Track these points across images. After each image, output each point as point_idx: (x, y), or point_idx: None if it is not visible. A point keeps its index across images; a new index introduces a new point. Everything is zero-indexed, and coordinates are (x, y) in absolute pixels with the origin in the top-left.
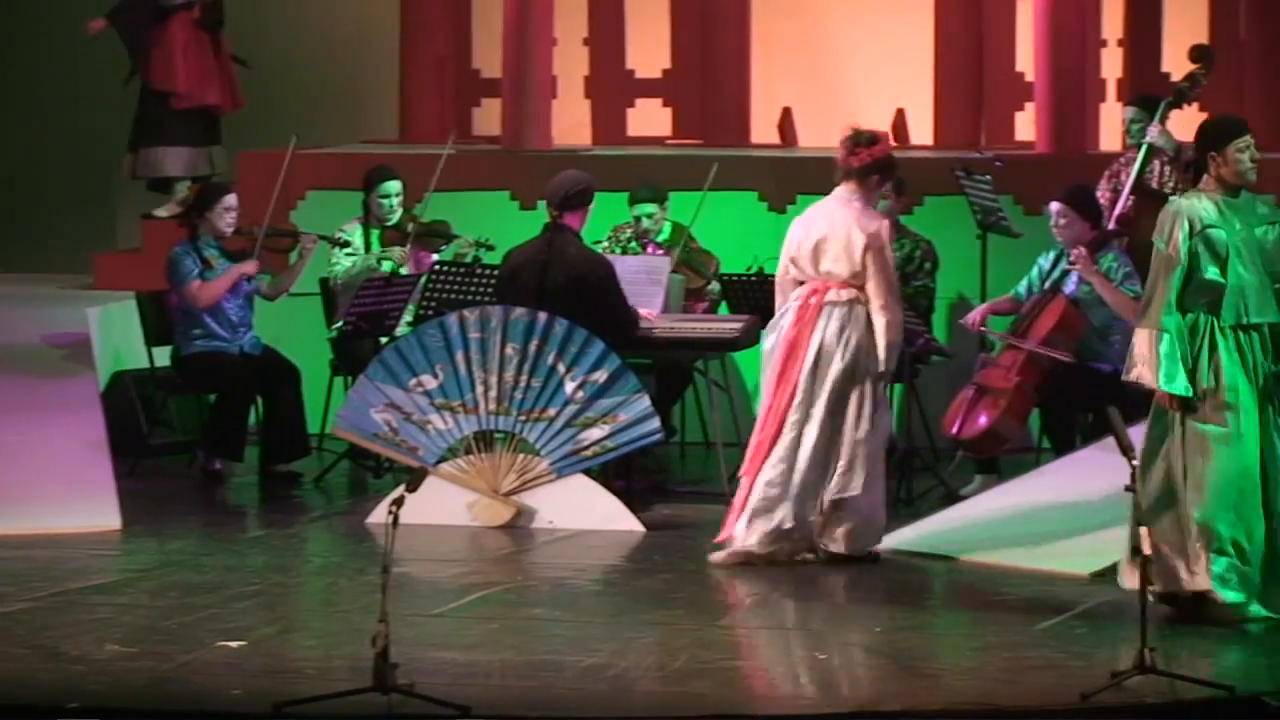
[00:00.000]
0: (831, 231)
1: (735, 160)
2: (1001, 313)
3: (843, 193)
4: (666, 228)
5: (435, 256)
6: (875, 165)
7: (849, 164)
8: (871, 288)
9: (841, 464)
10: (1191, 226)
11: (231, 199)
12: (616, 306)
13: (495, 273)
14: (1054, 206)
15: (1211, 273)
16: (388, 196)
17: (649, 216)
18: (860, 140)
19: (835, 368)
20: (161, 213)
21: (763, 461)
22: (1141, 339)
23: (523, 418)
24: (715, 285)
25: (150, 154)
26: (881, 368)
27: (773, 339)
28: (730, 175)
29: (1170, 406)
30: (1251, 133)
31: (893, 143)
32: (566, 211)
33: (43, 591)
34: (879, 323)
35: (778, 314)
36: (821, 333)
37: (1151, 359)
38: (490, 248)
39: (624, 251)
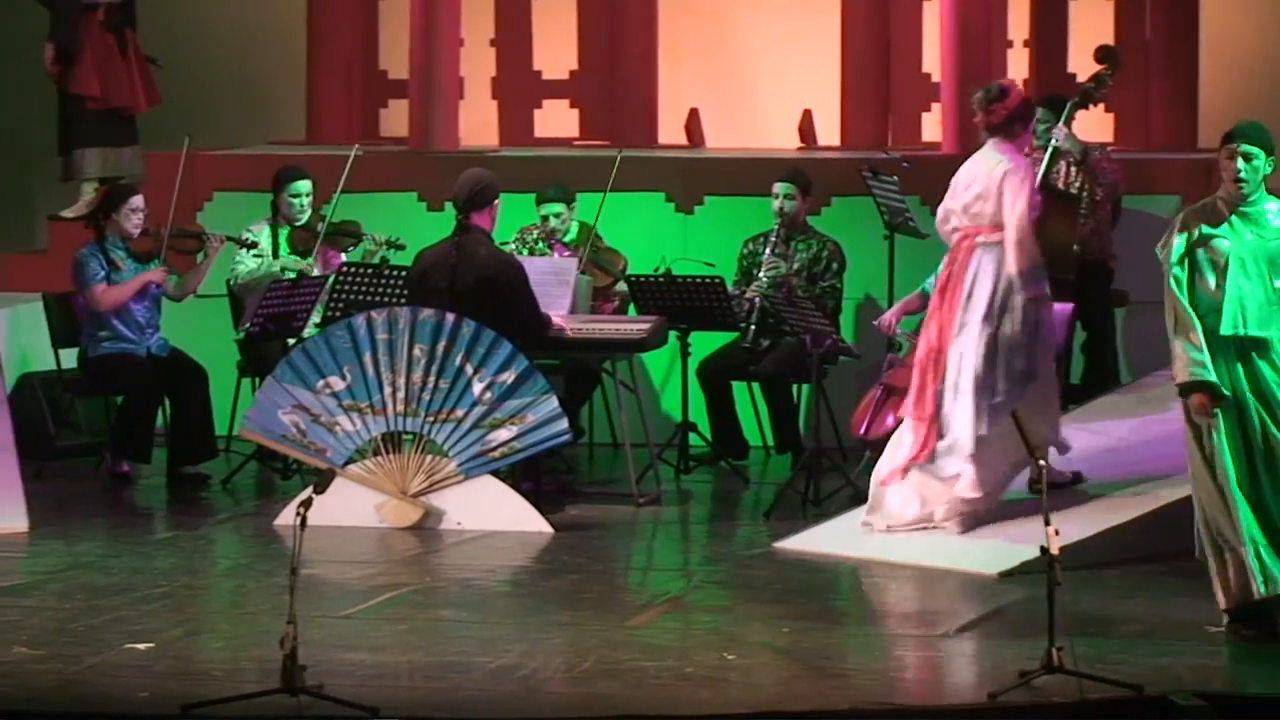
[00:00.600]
0: (978, 179)
1: (642, 161)
2: (912, 311)
3: (990, 145)
4: (574, 227)
5: (344, 256)
6: (1012, 116)
7: (989, 122)
8: (1005, 219)
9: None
10: (1190, 233)
11: (138, 200)
12: (527, 308)
13: (403, 273)
14: None
15: (1208, 280)
16: (298, 196)
17: (556, 216)
18: (990, 97)
19: (981, 306)
20: (68, 214)
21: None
22: (1176, 349)
23: (430, 419)
24: (623, 284)
25: (76, 156)
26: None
27: (932, 280)
28: (637, 176)
29: (1208, 408)
30: (1240, 139)
31: (1017, 86)
32: (473, 211)
33: None
34: (1007, 256)
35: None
36: (972, 273)
37: (1185, 360)
38: (401, 247)
39: (531, 252)
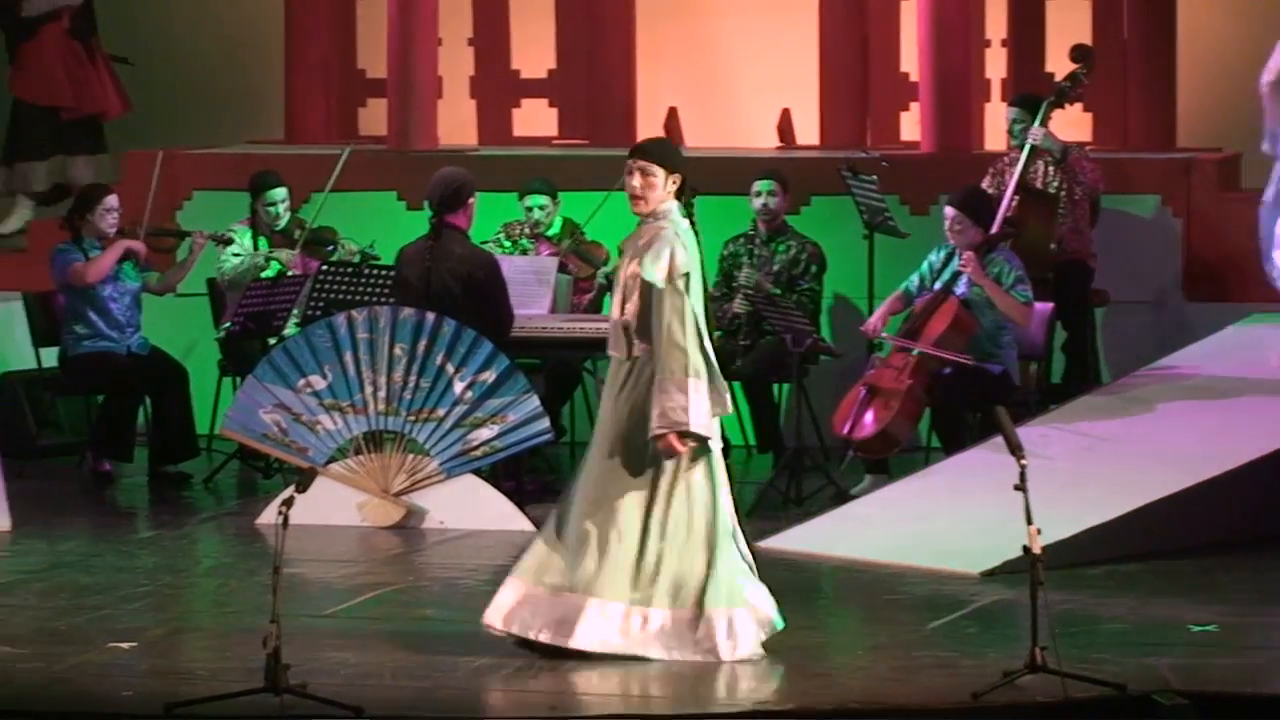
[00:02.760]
0: None
1: (621, 160)
2: (896, 312)
3: None
4: (557, 222)
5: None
6: None
7: None
8: None
9: None
10: None
11: (112, 200)
12: (499, 304)
13: (384, 273)
14: (948, 211)
15: None
16: (274, 204)
17: (540, 208)
18: None
19: None
20: (7, 229)
21: None
22: None
23: (412, 418)
24: (603, 275)
25: (22, 169)
26: None
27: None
28: (617, 175)
29: None
30: None
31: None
32: (447, 211)
33: None
34: None
35: None
36: None
37: None
38: (375, 258)
39: (515, 247)
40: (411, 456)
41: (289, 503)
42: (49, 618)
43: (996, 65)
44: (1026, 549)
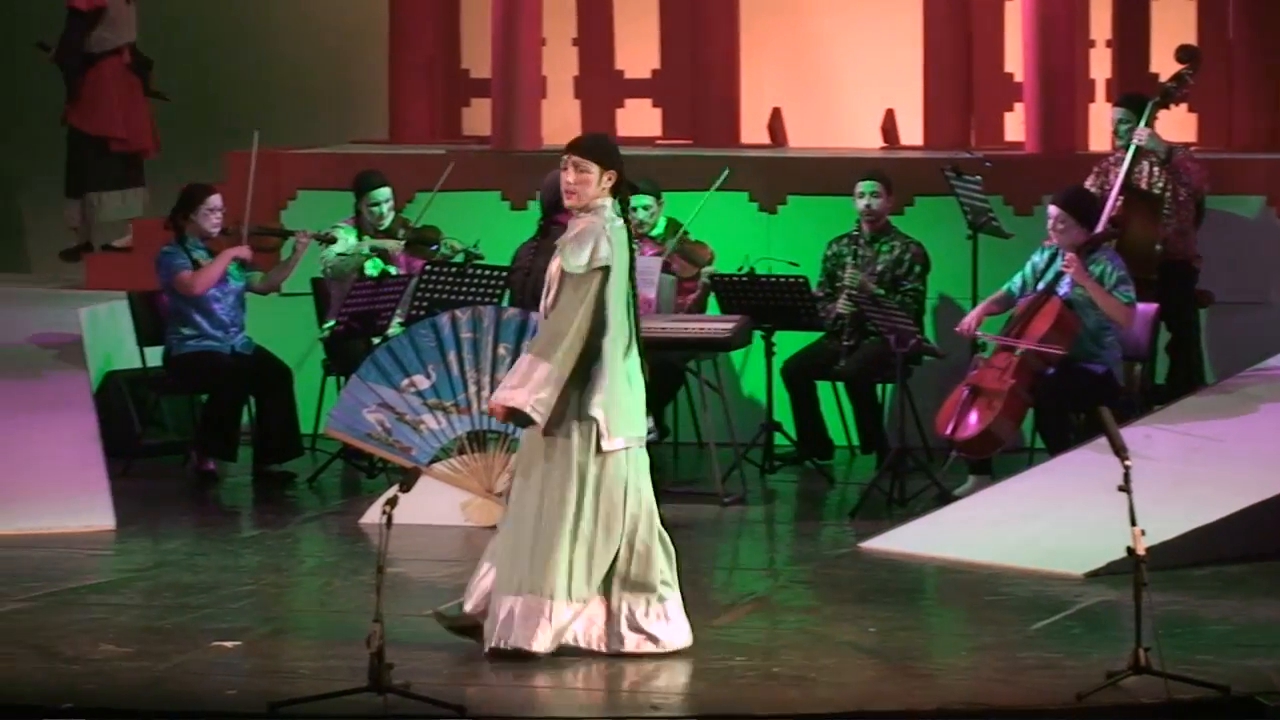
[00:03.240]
0: None
1: (725, 161)
2: (994, 313)
3: None
4: (661, 222)
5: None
6: None
7: None
8: None
9: None
10: None
11: (216, 199)
12: None
13: (488, 273)
14: (1052, 210)
15: None
16: (377, 204)
17: (645, 209)
18: None
19: None
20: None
21: None
22: None
23: None
24: (706, 275)
25: (91, 199)
26: None
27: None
28: (720, 175)
29: None
30: None
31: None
32: (557, 212)
33: (37, 591)
34: None
35: None
36: None
37: None
38: (479, 256)
39: None
40: (515, 456)
41: (393, 502)
42: (153, 617)
43: (1101, 65)
44: (1130, 550)
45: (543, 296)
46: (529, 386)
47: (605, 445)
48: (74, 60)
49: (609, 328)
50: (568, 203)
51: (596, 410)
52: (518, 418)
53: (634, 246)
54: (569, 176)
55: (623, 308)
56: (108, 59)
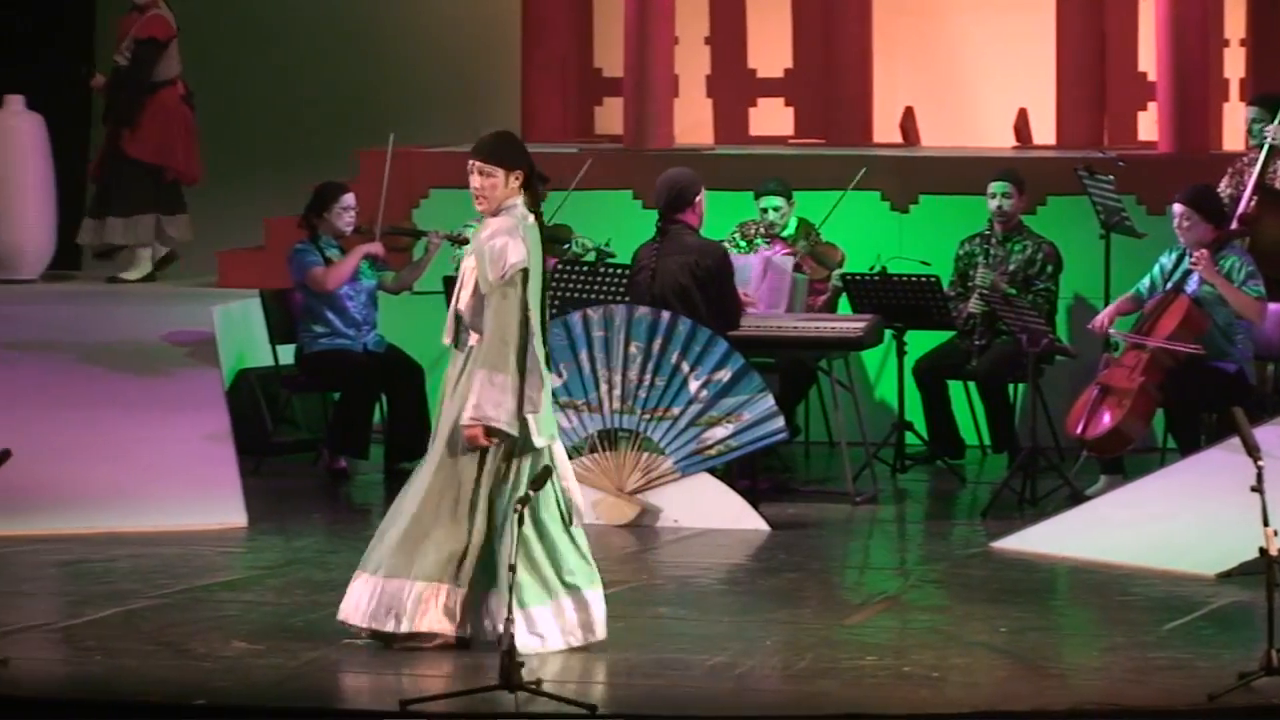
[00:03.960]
0: None
1: (857, 160)
2: (1126, 312)
3: None
4: (792, 222)
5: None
6: None
7: None
8: None
9: None
10: None
11: (349, 198)
12: (728, 292)
13: (619, 271)
14: (1176, 208)
15: None
16: None
17: (775, 209)
18: None
19: None
20: (128, 276)
21: None
22: None
23: (647, 416)
24: (837, 276)
25: (113, 223)
26: None
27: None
28: (852, 175)
29: None
30: None
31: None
32: (675, 211)
33: (169, 588)
34: None
35: None
36: None
37: None
38: (610, 254)
39: (750, 247)
40: (646, 455)
41: (525, 501)
42: (285, 614)
43: (1235, 65)
44: (1263, 550)
45: (455, 291)
46: (503, 404)
47: (536, 442)
48: (140, 89)
49: (534, 327)
50: (479, 208)
51: (528, 410)
52: (498, 434)
53: (545, 242)
54: (475, 182)
55: (541, 306)
56: (167, 89)
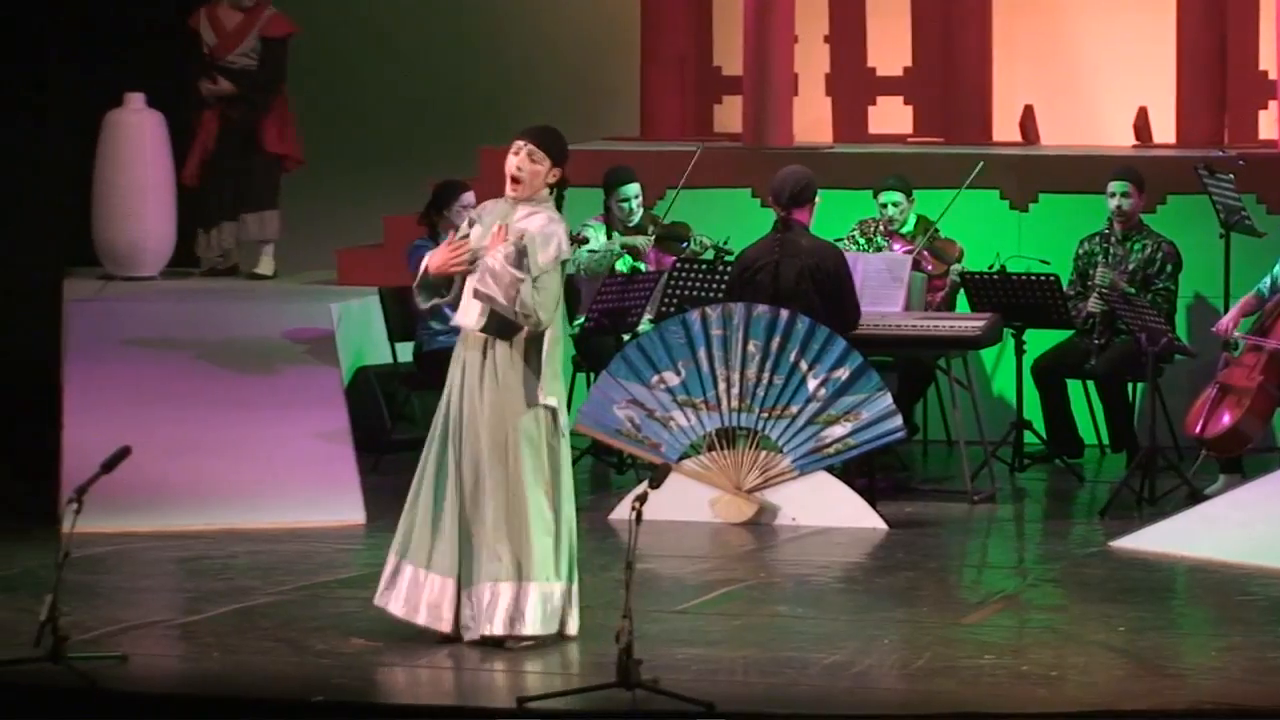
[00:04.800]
0: None
1: (976, 158)
2: (1250, 312)
3: None
4: (911, 219)
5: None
6: None
7: None
8: None
9: None
10: None
11: (469, 196)
12: (848, 296)
13: None
14: None
15: None
16: (626, 200)
17: (895, 205)
18: None
19: None
20: (265, 271)
21: None
22: None
23: (765, 415)
24: (956, 273)
25: (249, 220)
26: None
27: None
28: (972, 172)
29: None
30: None
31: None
32: (795, 208)
33: (289, 585)
34: None
35: None
36: None
37: None
38: (729, 252)
39: (870, 244)
40: (764, 453)
41: (643, 498)
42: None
43: None
44: None
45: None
46: (508, 293)
47: (563, 430)
48: (272, 87)
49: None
50: (512, 190)
51: (552, 399)
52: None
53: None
54: (519, 163)
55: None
56: (283, 84)
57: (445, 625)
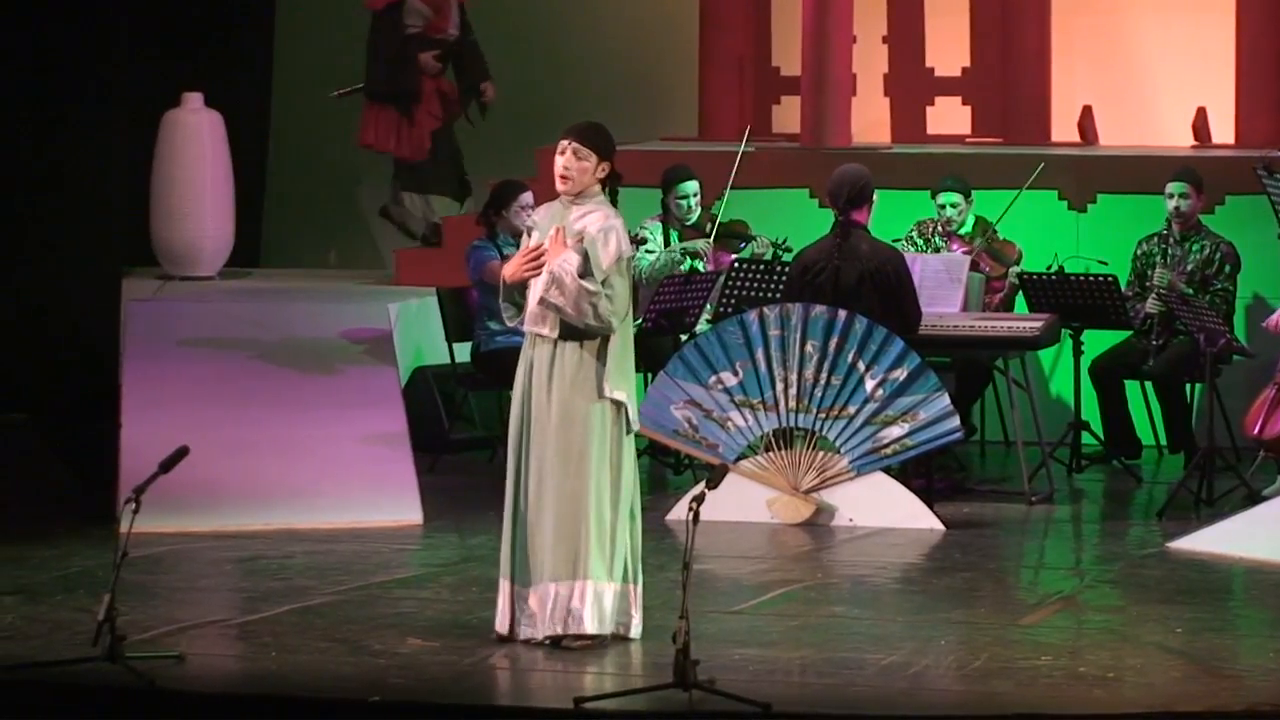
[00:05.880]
0: None
1: (1035, 159)
2: None
3: None
4: (969, 220)
5: (734, 256)
6: None
7: None
8: None
9: None
10: None
11: (528, 197)
12: (908, 299)
13: None
14: None
15: None
16: (685, 197)
17: (953, 206)
18: None
19: None
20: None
21: None
22: None
23: (822, 415)
24: (1014, 274)
25: (435, 200)
26: None
27: None
28: (1030, 173)
29: None
30: None
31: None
32: (853, 209)
33: (346, 585)
34: None
35: None
36: None
37: None
38: (788, 249)
39: (928, 245)
40: (821, 454)
41: (700, 499)
42: (460, 611)
43: None
44: None
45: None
46: (573, 298)
47: (633, 426)
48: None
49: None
50: (562, 188)
51: (620, 394)
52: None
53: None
54: (566, 162)
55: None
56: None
57: (502, 626)
